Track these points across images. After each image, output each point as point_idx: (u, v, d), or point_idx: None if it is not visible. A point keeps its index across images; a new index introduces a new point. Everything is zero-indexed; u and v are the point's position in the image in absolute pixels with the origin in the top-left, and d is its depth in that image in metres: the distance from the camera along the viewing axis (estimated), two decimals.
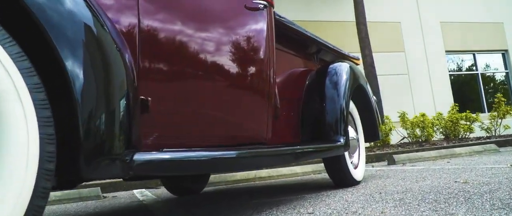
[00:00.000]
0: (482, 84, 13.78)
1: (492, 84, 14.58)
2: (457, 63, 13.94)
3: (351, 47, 10.87)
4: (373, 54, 9.96)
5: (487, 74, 14.31)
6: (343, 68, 3.01)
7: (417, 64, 12.37)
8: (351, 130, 3.05)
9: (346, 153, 2.84)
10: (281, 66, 2.67)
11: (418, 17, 12.77)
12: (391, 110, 9.65)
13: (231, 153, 1.76)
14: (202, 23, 1.80)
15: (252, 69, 2.07)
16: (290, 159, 2.37)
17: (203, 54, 1.77)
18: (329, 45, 3.30)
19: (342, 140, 2.65)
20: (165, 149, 1.51)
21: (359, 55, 10.01)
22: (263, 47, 2.15)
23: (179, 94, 1.64)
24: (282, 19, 2.52)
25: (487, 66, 14.27)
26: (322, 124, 2.75)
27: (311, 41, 2.98)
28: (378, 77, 9.82)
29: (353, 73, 3.09)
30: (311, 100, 2.84)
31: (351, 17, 10.38)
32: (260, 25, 2.16)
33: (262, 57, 2.14)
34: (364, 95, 3.33)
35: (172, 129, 1.62)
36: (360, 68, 9.86)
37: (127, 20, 1.47)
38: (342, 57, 3.63)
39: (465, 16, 13.36)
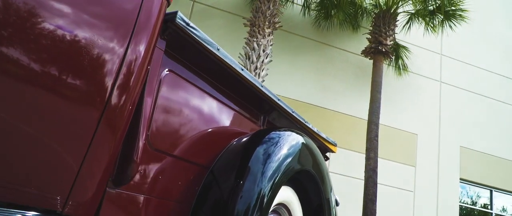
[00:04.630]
0: None
1: None
2: (472, 196, 12.60)
3: (358, 145, 9.89)
4: (379, 159, 8.90)
5: None
6: (291, 139, 2.04)
7: (427, 184, 11.08)
8: None
9: None
10: (182, 108, 1.74)
11: (438, 134, 11.71)
12: None
13: None
14: None
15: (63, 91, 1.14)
16: None
17: None
18: (288, 109, 2.36)
19: None
20: None
21: (363, 156, 9.01)
22: (109, 60, 1.22)
23: None
24: (196, 32, 1.61)
25: (504, 209, 12.85)
26: (228, 213, 1.74)
27: (254, 90, 2.05)
28: (378, 185, 8.69)
29: (304, 150, 2.11)
30: (223, 173, 1.84)
31: (366, 114, 9.49)
32: (109, 18, 1.25)
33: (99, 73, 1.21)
34: (318, 188, 2.29)
35: None
36: (357, 164, 8.84)
37: None
38: (310, 133, 2.67)
39: (487, 148, 12.20)
